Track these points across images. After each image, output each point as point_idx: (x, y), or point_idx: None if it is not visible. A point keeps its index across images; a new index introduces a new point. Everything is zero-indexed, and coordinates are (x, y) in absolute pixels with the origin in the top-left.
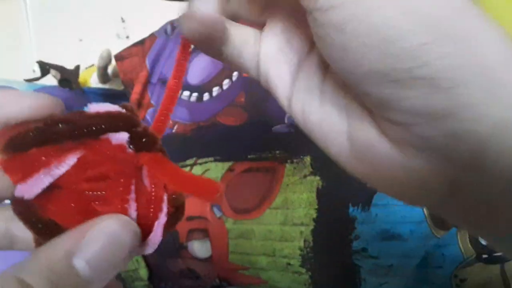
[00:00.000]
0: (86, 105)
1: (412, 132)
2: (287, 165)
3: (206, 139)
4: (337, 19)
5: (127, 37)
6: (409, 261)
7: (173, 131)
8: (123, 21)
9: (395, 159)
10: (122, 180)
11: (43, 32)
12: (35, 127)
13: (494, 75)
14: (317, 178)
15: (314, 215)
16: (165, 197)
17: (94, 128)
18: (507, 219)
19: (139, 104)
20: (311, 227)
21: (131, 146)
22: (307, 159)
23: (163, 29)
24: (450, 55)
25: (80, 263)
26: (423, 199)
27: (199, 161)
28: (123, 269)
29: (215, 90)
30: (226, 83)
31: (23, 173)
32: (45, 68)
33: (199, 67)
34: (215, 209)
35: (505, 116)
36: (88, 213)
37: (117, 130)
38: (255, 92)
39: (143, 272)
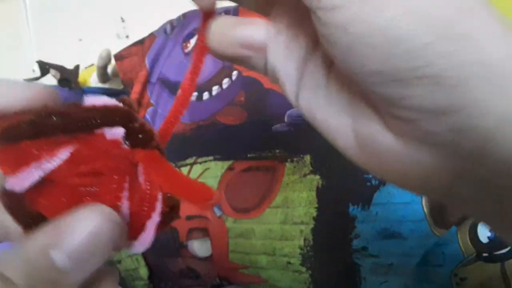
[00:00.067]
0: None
1: (416, 127)
2: (287, 164)
3: (205, 138)
4: (341, 19)
5: (127, 36)
6: (409, 259)
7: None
8: (122, 20)
9: (399, 152)
10: (115, 177)
11: (43, 32)
12: (28, 119)
13: (496, 71)
14: (317, 177)
15: (314, 214)
16: (159, 196)
17: (89, 122)
18: None
19: (139, 103)
20: (311, 226)
21: (126, 142)
22: (307, 158)
23: (163, 29)
24: (453, 53)
25: (58, 256)
26: (427, 189)
27: (199, 160)
28: (107, 259)
29: (215, 89)
30: (225, 82)
31: (14, 166)
32: (44, 68)
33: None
34: (215, 208)
35: (510, 110)
36: None
37: (113, 124)
38: (255, 91)
39: (143, 272)
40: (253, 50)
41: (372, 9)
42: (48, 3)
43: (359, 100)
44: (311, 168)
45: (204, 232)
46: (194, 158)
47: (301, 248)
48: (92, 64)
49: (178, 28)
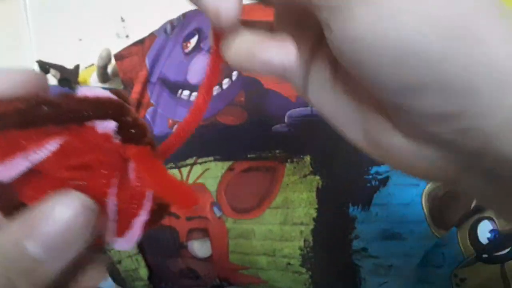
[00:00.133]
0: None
1: (423, 130)
2: (287, 165)
3: (206, 139)
4: (353, 34)
5: (127, 36)
6: (409, 260)
7: (173, 130)
8: (122, 20)
9: (407, 149)
10: (105, 172)
11: (43, 32)
12: (17, 108)
13: (503, 71)
14: (317, 177)
15: (314, 215)
16: (148, 194)
17: (79, 114)
18: None
19: (139, 103)
20: (311, 226)
21: (118, 136)
22: (307, 158)
23: (163, 29)
24: (464, 62)
25: (32, 246)
26: (435, 180)
27: (199, 160)
28: (83, 248)
29: (215, 90)
30: (225, 82)
31: (1, 155)
32: (45, 68)
33: (199, 67)
34: (215, 209)
35: None
36: None
37: (105, 117)
38: (255, 92)
39: (143, 272)
40: (270, 70)
41: (384, 29)
42: (48, 3)
43: (368, 101)
44: (311, 169)
45: (204, 233)
46: (194, 158)
47: (301, 249)
48: (92, 64)
49: (178, 28)
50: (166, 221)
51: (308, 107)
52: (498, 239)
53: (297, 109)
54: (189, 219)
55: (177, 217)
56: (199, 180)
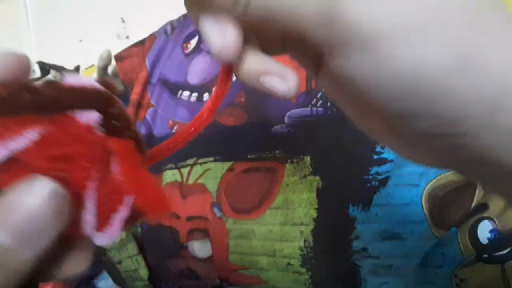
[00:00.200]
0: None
1: (417, 142)
2: (287, 165)
3: (206, 139)
4: (348, 72)
5: (127, 37)
6: (409, 261)
7: (173, 131)
8: (123, 21)
9: (403, 148)
10: (86, 164)
11: (43, 32)
12: None
13: (495, 99)
14: (317, 178)
15: (314, 215)
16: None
17: (62, 103)
18: None
19: (139, 104)
20: (311, 227)
21: (101, 128)
22: (307, 159)
23: (163, 29)
24: (454, 99)
25: (1, 235)
26: (436, 167)
27: (199, 161)
28: (57, 237)
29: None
30: None
31: None
32: (45, 69)
33: (199, 67)
34: (215, 209)
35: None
36: None
37: (88, 108)
38: (255, 92)
39: (143, 272)
40: (275, 94)
41: (378, 66)
42: (48, 3)
43: (368, 110)
44: (311, 169)
45: (204, 233)
46: (194, 159)
47: (301, 249)
48: (93, 65)
49: (179, 28)
50: (166, 221)
51: (308, 108)
52: (498, 239)
53: (297, 110)
54: (189, 219)
55: (177, 217)
56: (199, 181)
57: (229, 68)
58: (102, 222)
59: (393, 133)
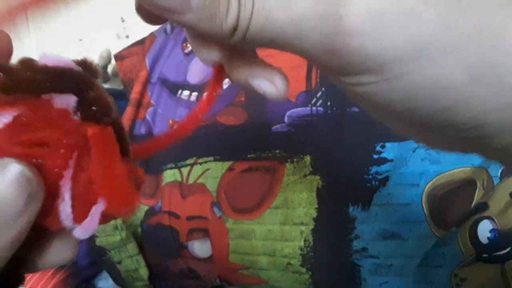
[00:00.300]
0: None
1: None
2: (287, 165)
3: (206, 139)
4: (368, 91)
5: (127, 36)
6: (409, 260)
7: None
8: (123, 21)
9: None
10: (62, 151)
11: (43, 32)
12: None
13: None
14: (317, 177)
15: (314, 215)
16: None
17: (35, 85)
18: None
19: (139, 103)
20: (311, 226)
21: (78, 112)
22: (307, 158)
23: (163, 29)
24: (473, 112)
25: None
26: None
27: (199, 160)
28: (27, 222)
29: None
30: (226, 82)
31: None
32: None
33: (199, 67)
34: (215, 209)
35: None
36: None
37: (64, 91)
38: (255, 92)
39: (143, 272)
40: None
41: (403, 89)
42: None
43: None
44: (311, 169)
45: (205, 233)
46: (194, 158)
47: (301, 249)
48: None
49: (178, 28)
50: (167, 221)
51: (308, 107)
52: (498, 238)
53: (297, 109)
54: (189, 219)
55: (178, 217)
56: (199, 180)
57: (220, 69)
58: (79, 214)
59: (418, 136)
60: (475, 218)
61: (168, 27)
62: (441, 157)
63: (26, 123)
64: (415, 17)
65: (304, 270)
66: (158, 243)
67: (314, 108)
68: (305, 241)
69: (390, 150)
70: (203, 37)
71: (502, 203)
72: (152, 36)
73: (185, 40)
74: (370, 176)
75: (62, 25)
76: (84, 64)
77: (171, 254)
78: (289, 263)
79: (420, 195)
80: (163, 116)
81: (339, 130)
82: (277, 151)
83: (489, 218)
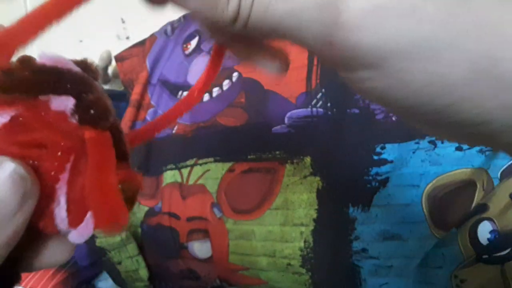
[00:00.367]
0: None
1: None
2: (287, 166)
3: (206, 140)
4: (368, 87)
5: (127, 38)
6: (409, 261)
7: (173, 132)
8: (123, 22)
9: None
10: (59, 153)
11: (43, 33)
12: None
13: None
14: (317, 178)
15: (314, 216)
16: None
17: (34, 86)
18: None
19: (139, 104)
20: (311, 227)
21: (75, 115)
22: (307, 159)
23: (163, 30)
24: (476, 109)
25: None
26: None
27: (200, 161)
28: (22, 222)
29: (215, 91)
30: (226, 83)
31: None
32: None
33: (199, 68)
34: (215, 210)
35: None
36: None
37: (62, 92)
38: (255, 93)
39: (143, 273)
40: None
41: (406, 81)
42: None
43: None
44: (311, 170)
45: (204, 234)
46: (194, 159)
47: (301, 250)
48: None
49: (179, 29)
50: (167, 221)
51: (308, 108)
52: (498, 239)
53: (297, 110)
54: (189, 220)
55: (178, 218)
56: (200, 181)
57: (221, 48)
58: (75, 219)
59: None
60: (475, 219)
61: (169, 28)
62: (441, 158)
63: (23, 123)
64: (414, 13)
65: (304, 271)
66: (158, 243)
67: (314, 109)
68: (305, 242)
69: (390, 151)
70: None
71: (502, 204)
72: (152, 37)
73: (185, 41)
74: (370, 177)
75: (62, 26)
76: (84, 64)
77: (171, 254)
78: (289, 264)
79: (420, 196)
80: None
81: (339, 131)
82: (277, 152)
83: (489, 219)
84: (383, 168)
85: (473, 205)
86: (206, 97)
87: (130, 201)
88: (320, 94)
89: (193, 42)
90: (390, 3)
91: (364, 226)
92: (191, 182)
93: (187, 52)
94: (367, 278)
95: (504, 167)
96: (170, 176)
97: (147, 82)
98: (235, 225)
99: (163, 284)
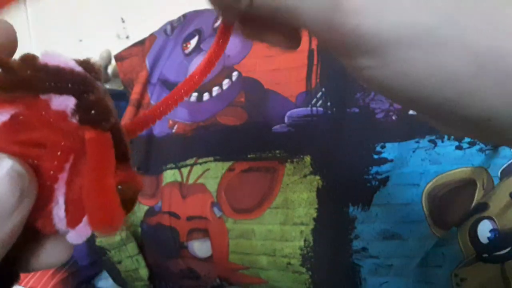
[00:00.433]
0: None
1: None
2: (287, 165)
3: (206, 139)
4: (367, 75)
5: (127, 37)
6: (409, 260)
7: (173, 131)
8: (123, 21)
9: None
10: (59, 153)
11: (43, 32)
12: None
13: None
14: (317, 177)
15: (314, 215)
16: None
17: (35, 84)
18: None
19: (139, 104)
20: (311, 226)
21: (76, 115)
22: (307, 158)
23: (163, 29)
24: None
25: None
26: None
27: (199, 161)
28: (20, 220)
29: (215, 90)
30: (226, 83)
31: None
32: None
33: None
34: (215, 209)
35: None
36: None
37: (63, 92)
38: (255, 92)
39: (143, 272)
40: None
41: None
42: (48, 2)
43: None
44: (311, 169)
45: (204, 233)
46: (194, 158)
47: (301, 249)
48: None
49: (178, 29)
50: (167, 221)
51: (308, 108)
52: (498, 238)
53: (297, 110)
54: (189, 219)
55: (178, 217)
56: (199, 181)
57: (228, 27)
58: (73, 219)
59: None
60: (475, 218)
61: (168, 27)
62: (441, 157)
63: (24, 122)
64: (419, 1)
65: (304, 270)
66: (158, 243)
67: (314, 108)
68: (305, 241)
69: (390, 150)
70: None
71: (502, 203)
72: (152, 36)
73: (185, 41)
74: (370, 176)
75: (62, 25)
76: (87, 64)
77: (171, 254)
78: (289, 263)
79: (420, 195)
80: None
81: (339, 130)
82: (277, 151)
83: (489, 218)
84: (383, 167)
85: (473, 204)
86: (206, 96)
87: (130, 202)
88: (320, 93)
89: (193, 42)
90: None
91: (364, 225)
92: (191, 181)
93: (186, 51)
94: (367, 277)
95: (504, 166)
96: (170, 175)
97: (147, 82)
98: (235, 224)
99: (163, 284)
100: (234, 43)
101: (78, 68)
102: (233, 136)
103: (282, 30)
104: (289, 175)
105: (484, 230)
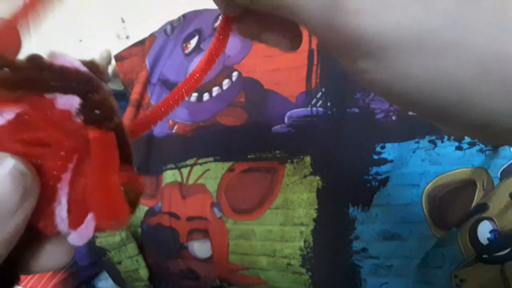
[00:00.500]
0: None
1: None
2: (287, 165)
3: (206, 139)
4: (367, 78)
5: (127, 37)
6: (409, 261)
7: (173, 131)
8: (123, 21)
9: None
10: (62, 153)
11: (43, 32)
12: None
13: None
14: (317, 178)
15: (314, 215)
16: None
17: (40, 84)
18: None
19: (139, 104)
20: (311, 227)
21: (80, 115)
22: (307, 159)
23: (163, 29)
24: (479, 109)
25: None
26: None
27: (199, 161)
28: (22, 220)
29: (215, 90)
30: (226, 83)
31: None
32: None
33: None
34: (215, 209)
35: None
36: None
37: (68, 91)
38: (255, 92)
39: (143, 273)
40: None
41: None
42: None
43: None
44: (311, 169)
45: (204, 233)
46: (194, 159)
47: (301, 250)
48: None
49: (178, 29)
50: (167, 221)
51: (308, 108)
52: (498, 239)
53: (297, 110)
54: (189, 219)
55: (178, 217)
56: (199, 181)
57: (229, 22)
58: (75, 220)
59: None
60: (475, 218)
61: (168, 27)
62: (441, 157)
63: (28, 121)
64: (422, 2)
65: (304, 270)
66: (158, 243)
67: (314, 108)
68: (305, 241)
69: (390, 150)
70: None
71: (502, 204)
72: (152, 36)
73: (185, 41)
74: (370, 177)
75: (62, 25)
76: (92, 65)
77: (171, 254)
78: (289, 264)
79: (420, 195)
80: None
81: (339, 130)
82: (277, 151)
83: (489, 219)
84: (383, 168)
85: (473, 204)
86: (206, 96)
87: (132, 204)
88: (320, 94)
89: (193, 42)
90: None
91: (364, 226)
92: (191, 181)
93: (186, 51)
94: (367, 278)
95: (504, 166)
96: (170, 175)
97: (147, 82)
98: (235, 225)
99: (163, 284)
100: (234, 43)
101: (83, 68)
102: (233, 136)
103: (282, 31)
104: (289, 175)
105: (484, 230)
